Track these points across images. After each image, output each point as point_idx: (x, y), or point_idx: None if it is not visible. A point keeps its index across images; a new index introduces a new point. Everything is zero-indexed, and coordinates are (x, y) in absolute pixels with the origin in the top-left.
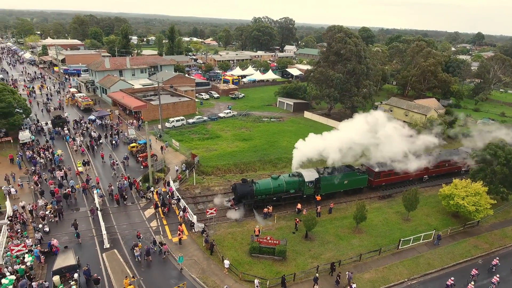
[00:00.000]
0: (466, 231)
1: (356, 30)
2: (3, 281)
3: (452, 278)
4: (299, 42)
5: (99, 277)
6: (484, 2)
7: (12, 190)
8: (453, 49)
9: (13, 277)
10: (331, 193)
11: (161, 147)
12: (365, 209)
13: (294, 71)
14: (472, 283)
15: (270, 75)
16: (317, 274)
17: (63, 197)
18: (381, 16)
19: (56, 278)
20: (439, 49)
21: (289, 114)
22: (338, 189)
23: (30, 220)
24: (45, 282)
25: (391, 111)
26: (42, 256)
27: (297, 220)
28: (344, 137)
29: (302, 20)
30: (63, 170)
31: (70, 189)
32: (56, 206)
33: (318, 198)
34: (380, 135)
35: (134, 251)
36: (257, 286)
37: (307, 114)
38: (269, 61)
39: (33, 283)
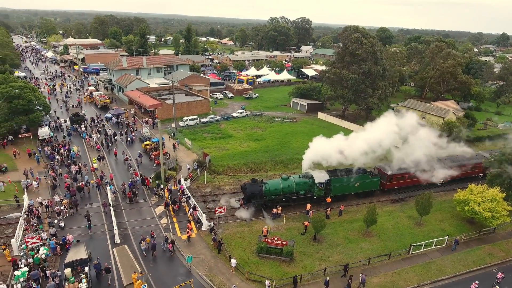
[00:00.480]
0: (481, 238)
1: (375, 31)
2: (16, 272)
3: (477, 282)
4: (316, 43)
5: (109, 266)
6: (510, 1)
7: (34, 183)
8: (475, 50)
9: (26, 268)
10: (342, 195)
11: (173, 145)
12: (375, 212)
13: (309, 71)
14: (497, 287)
15: (285, 76)
16: (327, 278)
17: (76, 190)
18: (401, 16)
19: (67, 271)
20: (461, 50)
21: (303, 114)
22: (349, 192)
23: (47, 215)
24: (58, 271)
25: None
26: (58, 247)
27: (306, 223)
28: (372, 140)
29: (320, 20)
30: (78, 165)
31: (84, 183)
32: (70, 199)
33: (328, 200)
34: (409, 139)
35: (141, 244)
36: (268, 287)
37: (321, 115)
38: (284, 62)
39: (47, 272)
